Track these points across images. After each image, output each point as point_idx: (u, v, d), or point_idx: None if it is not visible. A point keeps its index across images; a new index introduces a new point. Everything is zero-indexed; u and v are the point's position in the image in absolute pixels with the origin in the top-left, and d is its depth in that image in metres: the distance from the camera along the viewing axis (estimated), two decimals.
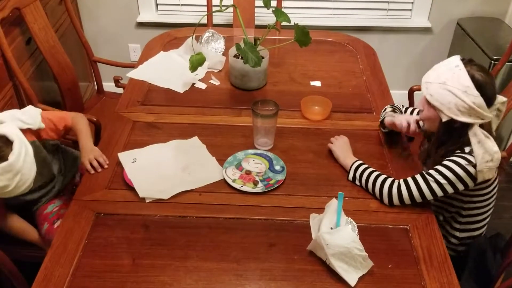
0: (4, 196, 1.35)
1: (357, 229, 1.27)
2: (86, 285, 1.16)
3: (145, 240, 1.28)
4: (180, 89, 1.93)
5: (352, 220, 1.29)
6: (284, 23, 1.97)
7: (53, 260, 1.21)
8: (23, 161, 1.32)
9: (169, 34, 2.33)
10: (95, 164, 1.49)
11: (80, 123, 1.61)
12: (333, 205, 1.29)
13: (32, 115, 1.49)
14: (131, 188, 1.42)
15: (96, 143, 1.67)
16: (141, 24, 2.89)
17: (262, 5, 1.93)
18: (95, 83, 2.54)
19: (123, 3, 2.83)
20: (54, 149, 1.64)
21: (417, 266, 1.23)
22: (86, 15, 2.86)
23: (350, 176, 1.48)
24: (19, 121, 1.44)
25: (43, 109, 1.58)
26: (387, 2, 2.83)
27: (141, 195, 1.40)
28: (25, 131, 1.43)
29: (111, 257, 1.23)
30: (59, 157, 1.68)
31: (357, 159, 1.50)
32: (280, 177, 1.49)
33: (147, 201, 1.39)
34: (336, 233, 1.22)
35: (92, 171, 1.48)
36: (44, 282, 1.16)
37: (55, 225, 1.54)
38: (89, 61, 2.48)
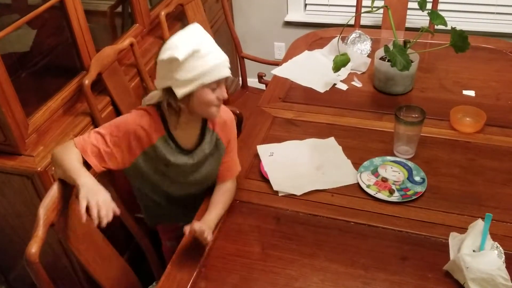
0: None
1: (504, 256, 1.14)
2: (218, 265, 1.23)
3: (275, 232, 1.31)
4: (321, 89, 1.93)
5: (499, 245, 1.17)
6: (438, 27, 1.84)
7: (192, 238, 1.30)
8: None
9: (315, 34, 2.34)
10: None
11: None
12: (478, 226, 1.18)
13: None
14: (266, 180, 1.47)
15: (237, 134, 1.76)
16: (288, 24, 2.96)
17: (415, 6, 1.84)
18: (241, 78, 2.68)
19: (273, 3, 2.93)
20: None
21: None
22: (239, 13, 3.02)
23: None
24: None
25: None
26: None
27: (275, 188, 1.44)
28: None
29: (243, 243, 1.29)
30: None
31: None
32: (420, 188, 1.40)
33: (280, 194, 1.43)
34: (480, 256, 1.11)
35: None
36: (182, 256, 1.26)
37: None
38: (237, 56, 2.62)
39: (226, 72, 1.22)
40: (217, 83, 1.22)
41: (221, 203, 1.36)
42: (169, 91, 1.22)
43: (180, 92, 1.19)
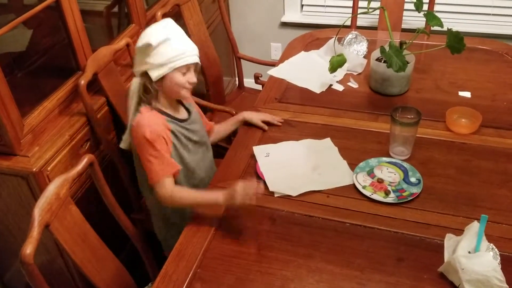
0: None
1: (499, 258, 1.15)
2: (215, 266, 1.23)
3: (270, 233, 1.31)
4: (317, 90, 1.93)
5: (494, 247, 1.17)
6: (434, 28, 1.85)
7: (188, 239, 1.30)
8: None
9: (312, 35, 2.34)
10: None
11: None
12: (474, 228, 1.18)
13: None
14: (262, 181, 1.47)
15: (233, 135, 1.76)
16: (285, 24, 2.96)
17: (411, 8, 1.84)
18: (237, 78, 2.68)
19: (270, 4, 2.93)
20: None
21: None
22: (235, 14, 3.02)
23: None
24: None
25: None
26: None
27: (270, 188, 1.44)
28: None
29: (238, 244, 1.29)
30: None
31: None
32: (415, 190, 1.40)
33: (275, 195, 1.42)
34: (475, 258, 1.11)
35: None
36: (178, 257, 1.26)
37: None
38: (233, 57, 2.62)
39: (194, 58, 1.41)
40: (187, 68, 1.40)
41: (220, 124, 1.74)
42: (145, 75, 1.40)
43: (154, 74, 1.38)
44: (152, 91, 1.41)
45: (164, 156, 1.38)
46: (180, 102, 1.53)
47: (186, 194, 1.39)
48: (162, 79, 1.39)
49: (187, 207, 1.45)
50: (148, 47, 1.36)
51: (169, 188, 1.37)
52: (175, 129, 1.45)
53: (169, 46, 1.36)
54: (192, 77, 1.43)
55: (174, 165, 1.41)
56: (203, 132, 1.59)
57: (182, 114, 1.52)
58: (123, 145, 1.53)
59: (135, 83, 1.44)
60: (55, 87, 1.70)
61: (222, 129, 1.75)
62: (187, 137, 1.49)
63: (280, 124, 1.73)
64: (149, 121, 1.39)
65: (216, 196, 1.32)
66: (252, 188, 1.26)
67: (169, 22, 1.42)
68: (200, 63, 1.45)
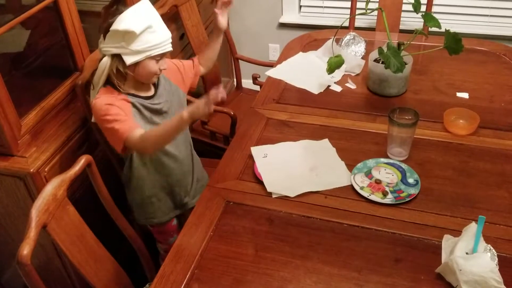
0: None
1: (497, 259, 1.15)
2: (212, 267, 1.23)
3: (268, 234, 1.31)
4: (315, 90, 1.93)
5: (492, 248, 1.17)
6: (431, 29, 1.85)
7: (185, 240, 1.30)
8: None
9: (310, 36, 2.34)
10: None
11: None
12: (472, 229, 1.18)
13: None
14: (260, 182, 1.47)
15: (231, 135, 1.76)
16: (283, 25, 2.96)
17: (409, 9, 1.84)
18: (235, 79, 2.68)
19: (268, 4, 2.93)
20: None
21: None
22: (233, 15, 3.02)
23: None
24: None
25: None
26: None
27: (268, 189, 1.44)
28: None
29: (236, 245, 1.29)
30: None
31: None
32: (413, 190, 1.40)
33: (273, 196, 1.42)
34: (472, 259, 1.11)
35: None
36: (175, 258, 1.26)
37: None
38: (231, 58, 2.62)
39: (169, 47, 1.44)
40: (161, 55, 1.43)
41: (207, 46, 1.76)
42: (118, 58, 1.40)
43: (129, 60, 1.39)
44: (124, 74, 1.42)
45: (122, 117, 1.39)
46: None
47: (155, 129, 1.41)
48: (135, 64, 1.40)
49: (161, 140, 1.42)
50: (129, 33, 1.34)
51: (138, 134, 1.38)
52: (135, 101, 1.45)
53: (150, 35, 1.36)
54: (163, 64, 1.45)
55: (135, 124, 1.41)
56: (173, 101, 1.58)
57: (148, 91, 1.51)
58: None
59: (104, 63, 1.41)
60: (53, 87, 1.70)
61: (208, 52, 1.76)
62: (150, 109, 1.49)
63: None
64: (104, 98, 1.41)
65: (179, 115, 1.33)
66: (213, 95, 1.29)
67: (148, 5, 1.40)
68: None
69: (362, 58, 2.10)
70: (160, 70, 1.45)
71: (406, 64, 1.72)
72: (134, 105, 1.45)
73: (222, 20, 1.68)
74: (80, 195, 1.65)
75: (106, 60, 1.41)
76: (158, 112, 1.52)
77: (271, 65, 2.19)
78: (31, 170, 1.48)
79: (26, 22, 1.66)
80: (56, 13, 1.64)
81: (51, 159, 1.56)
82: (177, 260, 1.25)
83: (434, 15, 1.86)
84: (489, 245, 1.17)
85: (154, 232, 1.74)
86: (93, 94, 1.48)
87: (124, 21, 1.35)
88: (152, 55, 1.39)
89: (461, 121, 1.67)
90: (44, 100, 1.64)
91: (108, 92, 1.43)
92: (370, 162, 1.52)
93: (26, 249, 1.05)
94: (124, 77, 1.43)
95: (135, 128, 1.39)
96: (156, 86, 1.54)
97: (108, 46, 1.39)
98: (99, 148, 1.77)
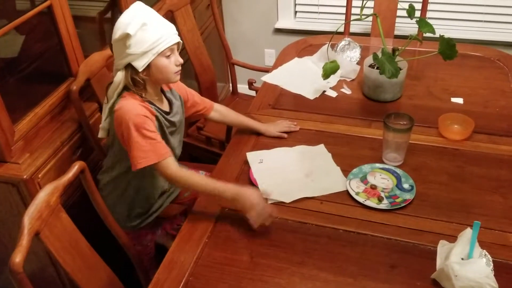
0: None
1: (492, 264, 1.15)
2: (207, 275, 1.22)
3: (264, 240, 1.30)
4: (311, 96, 1.93)
5: (487, 253, 1.17)
6: (426, 35, 1.85)
7: (180, 247, 1.29)
8: None
9: (305, 41, 2.35)
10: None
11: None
12: (467, 234, 1.18)
13: None
14: (255, 187, 1.46)
15: (227, 141, 1.75)
16: (279, 31, 2.97)
17: (404, 14, 1.85)
18: (231, 84, 2.67)
19: (264, 10, 2.94)
20: None
21: None
22: (229, 20, 3.03)
23: None
24: None
25: None
26: None
27: (264, 195, 1.43)
28: None
29: (231, 251, 1.28)
30: None
31: None
32: (408, 196, 1.40)
33: (269, 202, 1.42)
34: (468, 264, 1.11)
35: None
36: (170, 265, 1.25)
37: None
38: (227, 63, 2.62)
39: (175, 38, 1.36)
40: (170, 50, 1.36)
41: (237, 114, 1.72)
42: (130, 67, 1.35)
43: (140, 64, 1.33)
44: (142, 82, 1.37)
45: (159, 137, 1.37)
46: (162, 92, 1.50)
47: (193, 177, 1.38)
48: (148, 67, 1.35)
49: (192, 188, 1.43)
50: (126, 37, 1.30)
51: (174, 167, 1.36)
52: (159, 116, 1.43)
53: (147, 32, 1.31)
54: (177, 58, 1.39)
55: (168, 149, 1.39)
56: (181, 119, 1.56)
57: (165, 106, 1.49)
58: (101, 134, 1.52)
59: (119, 77, 1.37)
60: (47, 93, 1.69)
61: (233, 117, 1.73)
62: (168, 127, 1.48)
63: (297, 129, 1.72)
64: (133, 105, 1.35)
65: (227, 189, 1.32)
66: (268, 210, 1.30)
67: (140, 6, 1.36)
68: (182, 41, 1.42)
69: (357, 63, 2.10)
70: (177, 66, 1.39)
71: (401, 69, 1.73)
72: (158, 120, 1.42)
73: (274, 133, 1.70)
74: (74, 202, 1.63)
75: (120, 73, 1.37)
76: (173, 131, 1.51)
77: (266, 71, 2.19)
78: (25, 177, 1.46)
79: (20, 27, 1.65)
80: (51, 18, 1.64)
81: (45, 165, 1.54)
82: (171, 268, 1.24)
83: (429, 20, 1.87)
84: (484, 250, 1.17)
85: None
86: (105, 108, 1.45)
87: (119, 28, 1.32)
88: (160, 51, 1.33)
89: (455, 126, 1.67)
90: (38, 106, 1.63)
91: (131, 97, 1.38)
92: (366, 168, 1.52)
93: (18, 257, 1.04)
94: (143, 85, 1.38)
95: (169, 155, 1.37)
96: (170, 102, 1.51)
97: (117, 60, 1.37)
98: (93, 154, 1.76)
